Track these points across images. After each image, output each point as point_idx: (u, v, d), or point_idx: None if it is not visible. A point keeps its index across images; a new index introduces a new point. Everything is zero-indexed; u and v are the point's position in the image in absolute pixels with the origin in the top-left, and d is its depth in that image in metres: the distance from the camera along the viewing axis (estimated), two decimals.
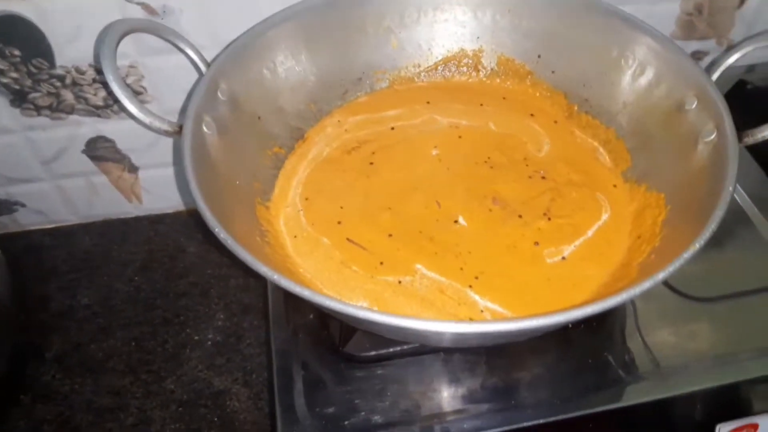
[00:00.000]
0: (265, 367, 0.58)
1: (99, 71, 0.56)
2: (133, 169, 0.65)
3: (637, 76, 0.46)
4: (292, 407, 0.41)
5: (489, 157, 0.47)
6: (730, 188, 0.34)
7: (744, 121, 0.39)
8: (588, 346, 0.43)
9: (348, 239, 0.38)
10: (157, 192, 0.68)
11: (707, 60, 0.65)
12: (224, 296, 0.63)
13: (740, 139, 0.38)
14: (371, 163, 0.47)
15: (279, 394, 0.41)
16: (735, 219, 0.49)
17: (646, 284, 0.31)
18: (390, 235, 0.43)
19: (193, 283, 0.64)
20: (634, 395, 0.40)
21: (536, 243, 0.42)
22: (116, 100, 0.56)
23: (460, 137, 0.49)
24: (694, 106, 0.41)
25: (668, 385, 0.41)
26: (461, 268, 0.41)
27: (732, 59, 0.42)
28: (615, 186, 0.46)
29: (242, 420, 0.55)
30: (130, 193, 0.67)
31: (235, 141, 0.44)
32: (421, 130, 0.50)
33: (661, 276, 0.31)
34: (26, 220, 0.68)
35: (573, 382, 0.41)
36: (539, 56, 0.51)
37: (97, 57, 0.44)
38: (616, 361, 0.42)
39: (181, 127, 0.39)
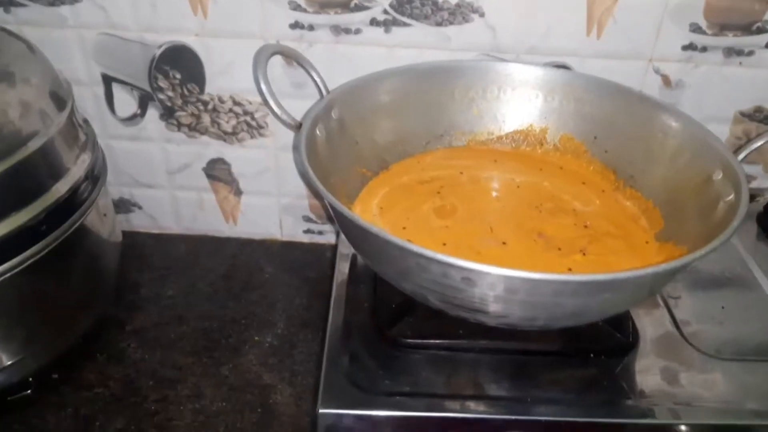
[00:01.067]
0: (311, 373, 0.64)
1: (236, 103, 0.69)
2: (239, 192, 0.76)
3: (676, 157, 0.54)
4: (336, 374, 0.47)
5: (541, 204, 0.55)
6: (735, 223, 0.41)
7: None
8: (605, 376, 0.48)
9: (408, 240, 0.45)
10: (251, 218, 0.78)
11: (754, 184, 0.73)
12: (288, 310, 0.70)
13: (753, 198, 0.45)
14: (438, 193, 0.57)
15: (326, 362, 0.47)
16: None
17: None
18: (444, 244, 0.50)
19: (264, 295, 0.72)
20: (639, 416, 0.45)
21: (569, 269, 0.49)
22: (252, 122, 0.69)
23: (518, 187, 0.58)
24: (720, 177, 0.49)
25: (672, 414, 0.45)
26: None
27: (757, 144, 0.51)
28: (647, 242, 0.52)
29: (280, 412, 0.60)
30: (229, 214, 0.79)
31: (336, 151, 0.54)
32: (485, 177, 0.59)
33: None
34: (138, 222, 0.80)
35: (586, 395, 0.46)
36: (595, 137, 0.61)
37: (254, 64, 0.56)
38: (628, 387, 0.46)
39: (300, 125, 0.50)
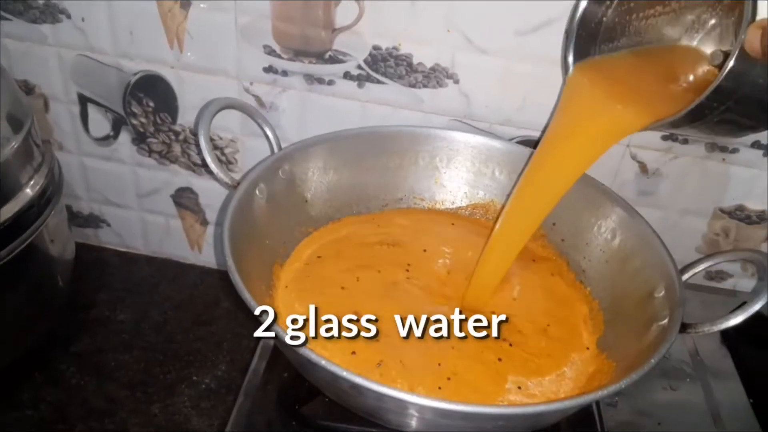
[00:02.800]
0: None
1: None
2: (205, 222, 0.76)
3: (627, 261, 0.52)
4: None
5: None
6: (653, 360, 0.39)
7: None
8: None
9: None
10: (217, 248, 0.78)
11: (730, 282, 0.69)
12: (233, 352, 0.69)
13: (684, 329, 0.42)
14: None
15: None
16: None
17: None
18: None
19: (213, 333, 0.71)
20: None
21: (499, 359, 0.46)
22: (222, 157, 0.68)
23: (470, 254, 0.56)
24: (661, 294, 0.46)
25: None
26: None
27: (703, 266, 0.48)
28: (588, 348, 0.50)
29: None
30: (195, 243, 0.78)
31: (279, 211, 0.53)
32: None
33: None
34: (106, 239, 0.80)
35: None
36: (554, 224, 0.58)
37: (198, 115, 0.56)
38: None
39: (239, 184, 0.49)
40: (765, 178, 0.61)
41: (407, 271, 0.55)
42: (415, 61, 0.60)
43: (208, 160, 0.50)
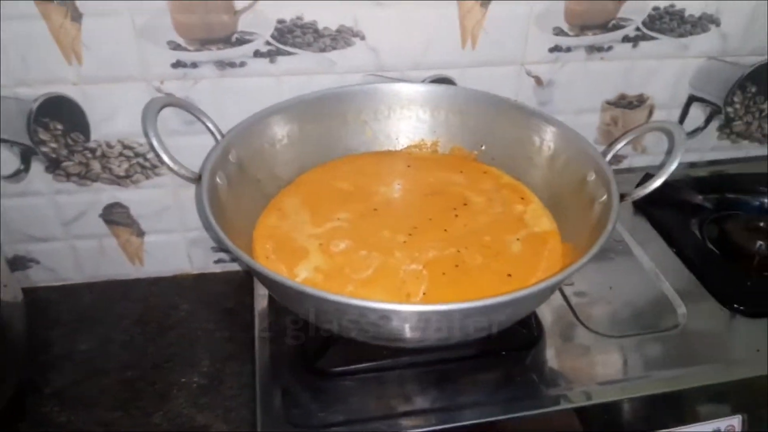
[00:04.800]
0: (244, 406, 0.65)
1: (126, 147, 0.68)
2: (140, 233, 0.75)
3: (553, 160, 0.60)
4: (271, 415, 0.49)
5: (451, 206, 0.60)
6: (610, 227, 0.47)
7: None
8: (518, 368, 0.53)
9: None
10: (158, 256, 0.77)
11: (626, 162, 0.80)
12: (209, 346, 0.70)
13: (622, 198, 0.51)
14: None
15: (260, 405, 0.49)
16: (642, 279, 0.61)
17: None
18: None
19: (182, 334, 0.72)
20: (553, 404, 0.50)
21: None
22: (145, 163, 0.68)
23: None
24: (593, 178, 0.55)
25: (585, 396, 0.50)
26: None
27: (620, 144, 0.57)
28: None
29: None
30: (134, 256, 0.77)
31: (239, 194, 0.55)
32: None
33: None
34: (37, 277, 0.76)
35: (505, 392, 0.51)
36: (482, 146, 0.65)
37: (143, 119, 0.55)
38: (539, 378, 0.51)
39: (200, 177, 0.51)
40: (636, 67, 0.71)
41: (375, 210, 0.59)
42: (320, 27, 0.63)
43: (166, 159, 0.51)
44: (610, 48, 0.70)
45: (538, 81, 0.70)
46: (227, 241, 0.44)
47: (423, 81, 0.67)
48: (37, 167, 0.68)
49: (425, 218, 0.58)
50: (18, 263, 0.75)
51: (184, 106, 0.57)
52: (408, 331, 0.43)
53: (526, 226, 0.58)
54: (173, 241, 0.76)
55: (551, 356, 0.54)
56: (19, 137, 0.65)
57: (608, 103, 0.74)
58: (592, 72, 0.71)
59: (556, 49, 0.68)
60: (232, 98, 0.66)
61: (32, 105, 0.63)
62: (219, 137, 0.58)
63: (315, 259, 0.53)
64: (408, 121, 0.66)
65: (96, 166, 0.69)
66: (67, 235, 0.73)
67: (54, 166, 0.68)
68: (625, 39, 0.69)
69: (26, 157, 0.67)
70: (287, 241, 0.55)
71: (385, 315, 0.40)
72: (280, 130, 0.61)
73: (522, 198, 0.61)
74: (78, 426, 0.62)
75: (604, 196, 0.51)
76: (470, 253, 0.54)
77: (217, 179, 0.52)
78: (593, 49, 0.69)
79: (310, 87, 0.65)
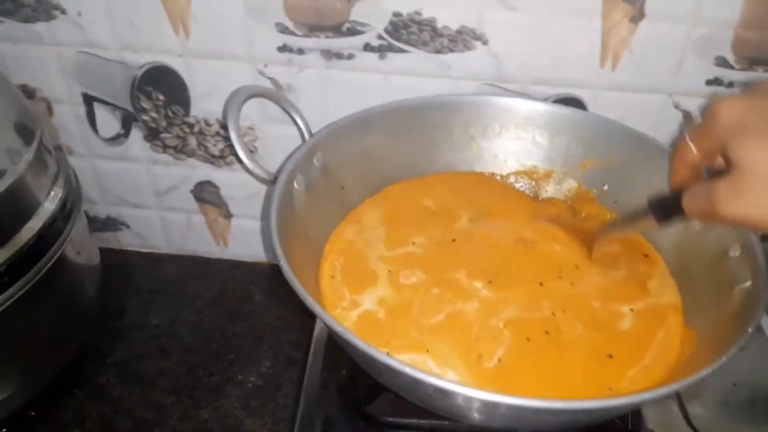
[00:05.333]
0: (294, 420, 0.61)
1: (223, 126, 0.65)
2: (228, 215, 0.73)
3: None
4: None
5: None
6: (751, 327, 0.36)
7: None
8: None
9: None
10: (243, 240, 0.75)
11: None
12: (274, 346, 0.67)
13: None
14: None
15: None
16: None
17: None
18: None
19: (251, 327, 0.69)
20: None
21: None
22: (231, 149, 0.65)
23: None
24: (737, 254, 0.44)
25: None
26: None
27: None
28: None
29: None
30: (219, 237, 0.75)
31: (319, 201, 0.50)
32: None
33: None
34: (126, 241, 0.77)
35: None
36: (605, 186, 0.56)
37: (225, 108, 0.53)
38: None
39: (276, 179, 0.46)
40: None
41: (453, 241, 0.52)
42: (439, 25, 0.56)
43: (242, 155, 0.47)
44: None
45: (688, 117, 0.59)
46: (283, 261, 0.39)
47: (546, 99, 0.58)
48: (136, 134, 0.67)
49: (517, 266, 0.49)
50: (110, 224, 0.75)
51: (274, 97, 0.53)
52: (472, 413, 0.36)
53: (647, 294, 0.48)
54: (258, 228, 0.73)
55: None
56: (122, 102, 0.65)
57: None
58: None
59: (715, 81, 0.57)
60: (335, 92, 0.61)
61: (137, 72, 0.62)
62: (307, 135, 0.53)
63: (382, 288, 0.47)
64: (522, 142, 0.57)
65: (192, 141, 0.67)
66: (159, 205, 0.73)
67: (153, 135, 0.67)
68: None
69: (127, 123, 0.66)
70: (359, 260, 0.49)
71: (440, 390, 0.34)
72: (377, 135, 0.55)
73: (646, 256, 0.51)
74: (129, 405, 0.61)
75: (749, 282, 0.41)
76: (568, 318, 0.45)
77: (295, 184, 0.47)
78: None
79: (420, 90, 0.59)
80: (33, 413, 0.60)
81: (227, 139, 0.66)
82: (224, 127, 0.65)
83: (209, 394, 0.62)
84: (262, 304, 0.72)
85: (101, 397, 0.62)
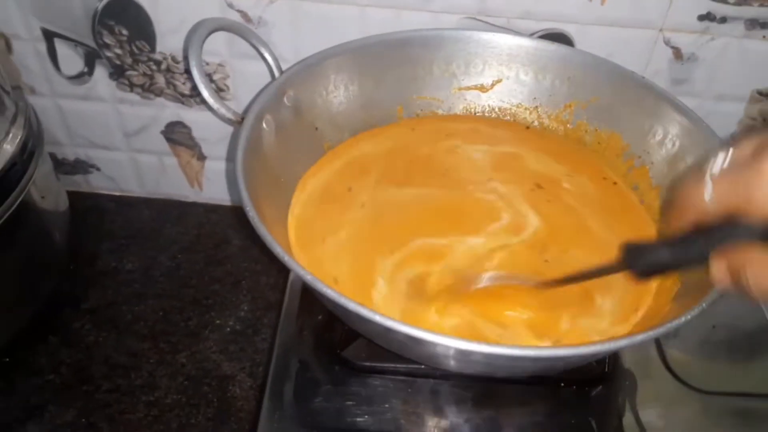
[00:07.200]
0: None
1: None
2: (202, 157, 0.70)
3: (676, 160, 0.48)
4: (281, 394, 0.43)
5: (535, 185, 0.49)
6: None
7: None
8: (577, 406, 0.44)
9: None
10: (218, 183, 0.73)
11: None
12: (253, 290, 0.66)
13: None
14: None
15: (272, 380, 0.43)
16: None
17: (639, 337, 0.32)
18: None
19: (229, 272, 0.68)
20: None
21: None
22: (211, 85, 0.62)
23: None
24: None
25: None
26: None
27: None
28: None
29: (238, 407, 0.57)
30: (194, 179, 0.73)
31: (290, 143, 0.48)
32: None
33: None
34: (97, 183, 0.74)
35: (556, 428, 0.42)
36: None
37: (185, 44, 0.49)
38: (599, 425, 0.42)
39: (243, 119, 0.44)
40: None
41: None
42: None
43: (206, 95, 0.44)
44: None
45: (677, 54, 0.57)
46: (249, 207, 0.37)
47: (532, 35, 0.55)
48: (100, 72, 0.64)
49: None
50: (79, 167, 0.73)
51: (240, 31, 0.50)
52: (449, 360, 0.35)
53: None
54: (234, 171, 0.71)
55: (620, 401, 0.44)
56: (83, 38, 0.61)
57: (760, 93, 0.59)
58: (749, 52, 0.57)
59: (707, 17, 0.54)
60: (308, 25, 0.57)
61: (97, 4, 0.58)
62: (276, 73, 0.50)
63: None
64: (505, 80, 0.55)
65: (160, 80, 0.64)
66: (129, 147, 0.70)
67: (118, 73, 0.63)
68: None
69: (90, 60, 0.63)
70: (331, 204, 0.48)
71: (412, 338, 0.33)
72: (352, 72, 0.52)
73: None
74: (105, 350, 0.60)
75: None
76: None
77: (264, 125, 0.45)
78: (756, 23, 0.55)
79: (399, 25, 0.56)
80: (7, 359, 0.59)
81: None
82: None
83: (186, 339, 0.62)
84: (239, 248, 0.70)
85: (76, 343, 0.61)
